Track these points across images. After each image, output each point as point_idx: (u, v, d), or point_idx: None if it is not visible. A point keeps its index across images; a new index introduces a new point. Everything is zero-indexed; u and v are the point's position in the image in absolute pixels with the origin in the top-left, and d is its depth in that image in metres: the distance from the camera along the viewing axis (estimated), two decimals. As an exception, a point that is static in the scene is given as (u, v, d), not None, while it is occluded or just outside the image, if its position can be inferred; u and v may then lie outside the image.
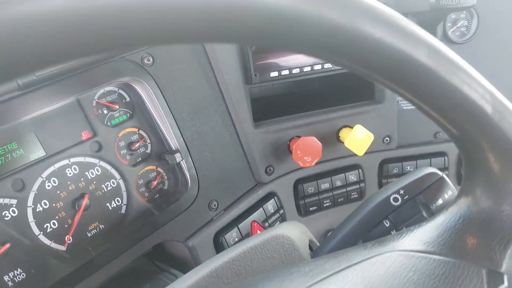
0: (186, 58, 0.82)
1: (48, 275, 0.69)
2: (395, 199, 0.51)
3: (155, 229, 0.78)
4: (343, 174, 1.06)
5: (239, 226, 0.90)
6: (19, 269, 0.66)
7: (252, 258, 0.51)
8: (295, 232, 0.53)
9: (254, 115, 0.93)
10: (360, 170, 1.07)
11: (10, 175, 0.65)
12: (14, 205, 0.66)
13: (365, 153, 0.94)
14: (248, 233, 0.92)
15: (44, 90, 0.64)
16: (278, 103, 1.14)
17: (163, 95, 0.78)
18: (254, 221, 0.92)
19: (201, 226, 0.85)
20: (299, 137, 0.95)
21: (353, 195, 1.08)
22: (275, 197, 0.99)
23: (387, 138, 1.06)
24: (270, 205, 0.97)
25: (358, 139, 0.93)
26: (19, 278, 0.66)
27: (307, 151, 0.93)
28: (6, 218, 0.65)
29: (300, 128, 0.98)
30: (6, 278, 0.65)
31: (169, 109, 0.79)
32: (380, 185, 1.12)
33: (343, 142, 0.97)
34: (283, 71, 0.93)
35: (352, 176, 1.07)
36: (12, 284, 0.65)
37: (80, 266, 0.69)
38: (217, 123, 0.87)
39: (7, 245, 0.64)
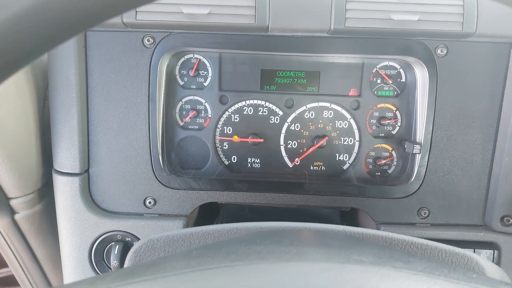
0: (481, 62, 0.78)
1: (272, 176, 0.87)
2: None
3: (361, 196, 0.84)
4: None
5: (437, 248, 0.84)
6: (258, 159, 0.87)
7: (430, 253, 0.51)
8: (493, 270, 0.48)
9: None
10: None
11: (289, 93, 0.84)
12: (279, 115, 0.85)
13: None
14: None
15: (345, 40, 0.77)
16: None
17: (436, 88, 0.79)
18: (455, 254, 0.84)
19: (401, 222, 0.85)
20: None
21: None
22: (496, 251, 0.85)
23: None
24: (484, 254, 0.85)
25: None
26: (256, 165, 0.87)
27: None
28: (270, 121, 0.86)
29: None
30: (249, 159, 0.87)
31: (435, 103, 0.79)
32: None
33: None
34: None
35: None
36: (249, 166, 0.87)
37: (295, 182, 0.84)
38: (475, 140, 0.81)
39: (261, 140, 0.85)
